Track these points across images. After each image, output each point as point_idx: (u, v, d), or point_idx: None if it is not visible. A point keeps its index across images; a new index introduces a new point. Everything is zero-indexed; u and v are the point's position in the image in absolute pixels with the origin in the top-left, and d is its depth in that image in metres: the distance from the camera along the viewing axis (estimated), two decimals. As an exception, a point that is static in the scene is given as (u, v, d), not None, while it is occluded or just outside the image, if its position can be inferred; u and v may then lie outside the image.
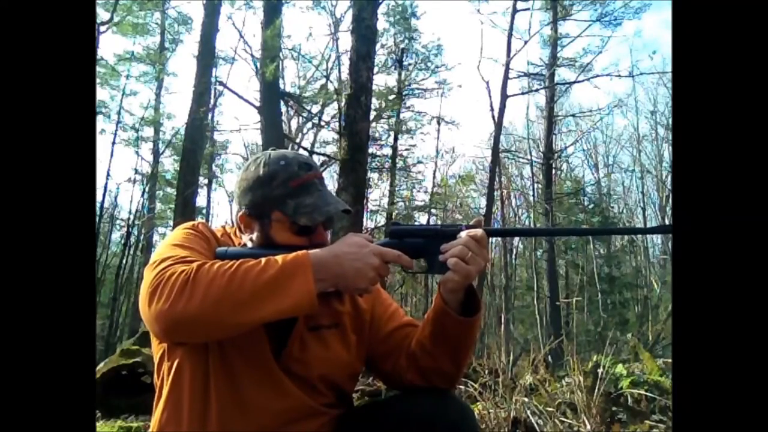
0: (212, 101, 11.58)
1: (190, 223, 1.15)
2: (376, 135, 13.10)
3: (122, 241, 13.89)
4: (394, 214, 12.64)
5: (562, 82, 13.23)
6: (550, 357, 4.60)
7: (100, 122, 14.24)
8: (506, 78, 10.78)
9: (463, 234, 1.04)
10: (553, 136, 14.30)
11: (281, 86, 9.41)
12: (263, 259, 0.96)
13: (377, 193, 13.99)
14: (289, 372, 1.05)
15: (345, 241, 1.04)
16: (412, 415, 1.02)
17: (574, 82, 12.61)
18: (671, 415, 2.56)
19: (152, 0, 12.63)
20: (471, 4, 25.66)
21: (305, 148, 12.08)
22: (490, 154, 11.49)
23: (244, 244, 1.14)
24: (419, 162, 14.44)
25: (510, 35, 11.05)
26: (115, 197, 15.72)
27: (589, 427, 2.45)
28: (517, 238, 15.34)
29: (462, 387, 2.79)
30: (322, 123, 12.65)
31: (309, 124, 14.54)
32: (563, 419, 2.55)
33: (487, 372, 2.92)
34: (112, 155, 15.32)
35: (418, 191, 14.75)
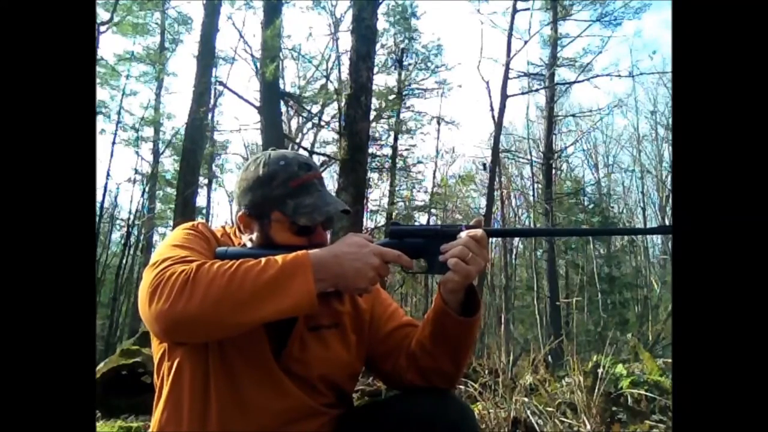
0: (212, 101, 11.59)
1: (189, 224, 1.16)
2: (376, 135, 13.11)
3: (122, 241, 13.90)
4: (394, 214, 12.65)
5: (562, 82, 13.22)
6: (550, 357, 4.60)
7: (100, 122, 14.27)
8: (506, 78, 10.78)
9: (463, 234, 1.04)
10: (553, 136, 14.30)
11: (281, 86, 9.42)
12: (263, 259, 0.96)
13: (377, 193, 14.01)
14: (289, 372, 1.05)
15: (345, 241, 1.04)
16: (412, 415, 1.02)
17: (574, 82, 12.61)
18: (671, 415, 2.56)
19: (152, 0, 12.63)
20: (471, 4, 25.68)
21: (305, 148, 12.08)
22: (490, 154, 11.49)
23: (244, 245, 1.14)
24: (419, 162, 14.47)
25: (510, 35, 11.05)
26: (115, 197, 15.75)
27: (589, 427, 2.45)
28: (517, 238, 15.37)
29: (462, 387, 2.79)
30: (322, 123, 12.66)
31: (309, 124, 14.56)
32: (563, 419, 2.55)
33: (487, 372, 2.92)
34: (112, 155, 15.34)
35: (418, 191, 14.78)
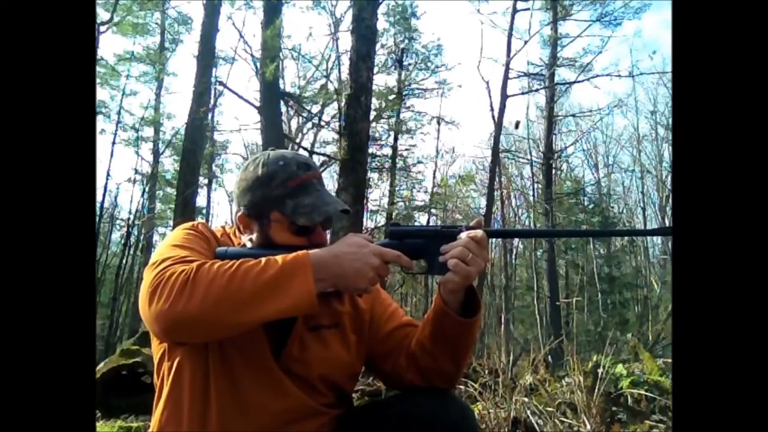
0: (212, 101, 11.59)
1: (189, 224, 1.16)
2: (376, 135, 13.11)
3: (122, 241, 13.90)
4: (394, 214, 12.64)
5: (562, 82, 13.22)
6: (550, 357, 4.60)
7: (100, 122, 14.28)
8: (506, 78, 10.78)
9: (463, 235, 1.04)
10: (553, 136, 14.30)
11: (281, 86, 9.42)
12: (263, 259, 0.96)
13: (377, 193, 14.01)
14: (289, 372, 1.05)
15: (345, 241, 1.04)
16: (412, 415, 1.02)
17: (574, 82, 12.61)
18: (671, 415, 2.56)
19: (152, 0, 12.63)
20: (471, 4, 25.59)
21: (305, 148, 12.08)
22: (490, 154, 11.49)
23: (244, 245, 1.14)
24: (419, 162, 14.46)
25: (510, 35, 11.04)
26: (115, 197, 15.75)
27: (589, 427, 2.45)
28: (517, 238, 15.34)
29: (462, 387, 2.79)
30: (322, 123, 12.66)
31: (309, 124, 14.56)
32: (563, 419, 2.55)
33: (487, 372, 2.92)
34: (112, 155, 15.35)
35: (418, 191, 14.78)
